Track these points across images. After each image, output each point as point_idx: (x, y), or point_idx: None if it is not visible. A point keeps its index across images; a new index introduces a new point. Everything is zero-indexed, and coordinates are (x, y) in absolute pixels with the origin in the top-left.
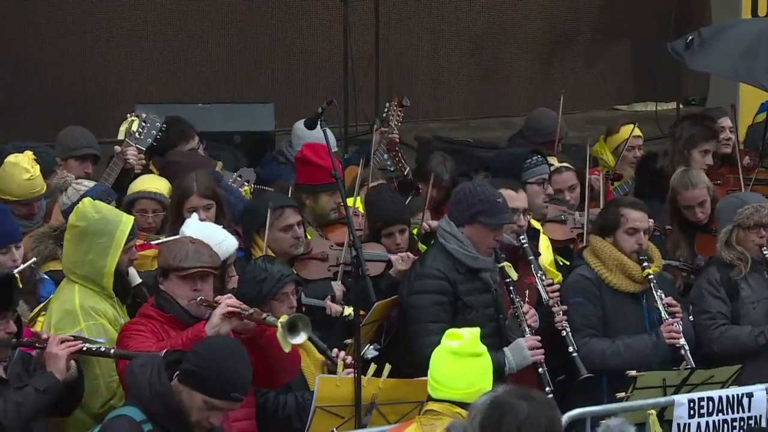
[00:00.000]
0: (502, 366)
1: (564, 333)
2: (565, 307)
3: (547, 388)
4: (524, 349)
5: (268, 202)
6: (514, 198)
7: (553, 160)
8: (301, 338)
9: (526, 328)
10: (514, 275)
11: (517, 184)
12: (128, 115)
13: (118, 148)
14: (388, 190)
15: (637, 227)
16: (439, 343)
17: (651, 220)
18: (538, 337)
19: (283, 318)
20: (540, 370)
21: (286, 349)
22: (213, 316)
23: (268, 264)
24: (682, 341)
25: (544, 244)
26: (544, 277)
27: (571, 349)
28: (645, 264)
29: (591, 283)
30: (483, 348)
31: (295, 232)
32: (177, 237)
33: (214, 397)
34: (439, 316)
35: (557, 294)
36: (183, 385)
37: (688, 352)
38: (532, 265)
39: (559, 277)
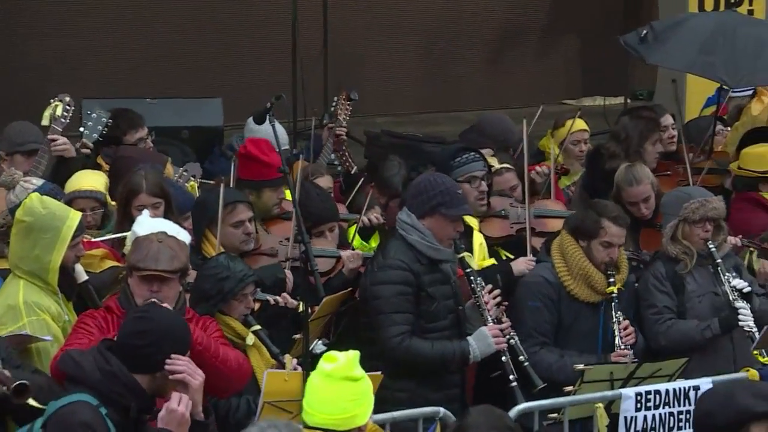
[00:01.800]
0: (467, 355)
1: (504, 359)
2: (509, 323)
3: (511, 377)
4: (488, 337)
5: (220, 197)
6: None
7: (494, 161)
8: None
9: (488, 316)
10: (474, 265)
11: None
12: (51, 100)
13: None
14: (316, 189)
15: (614, 242)
16: (404, 333)
17: None
18: (500, 326)
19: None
20: (503, 358)
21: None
22: None
23: (231, 262)
24: None
25: (477, 242)
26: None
27: (511, 377)
28: (611, 279)
29: (551, 287)
30: (360, 372)
31: (246, 228)
32: (126, 233)
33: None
34: (403, 307)
35: (503, 306)
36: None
37: None
38: (471, 276)
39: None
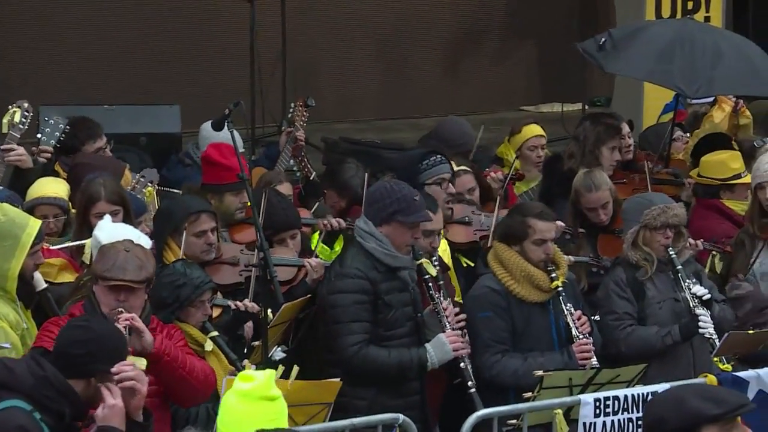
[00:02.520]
0: (425, 362)
1: (462, 365)
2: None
3: (470, 383)
4: (446, 344)
5: (185, 206)
6: (435, 221)
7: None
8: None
9: (447, 323)
10: (432, 271)
11: (435, 205)
12: (10, 107)
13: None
14: (277, 195)
15: (545, 237)
16: (361, 342)
17: (560, 223)
18: (459, 332)
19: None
20: (462, 364)
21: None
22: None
23: (188, 269)
24: (594, 361)
25: (442, 248)
26: (451, 306)
27: (470, 384)
28: (553, 275)
29: (499, 295)
30: (277, 392)
31: (208, 238)
32: (85, 241)
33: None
34: (360, 315)
35: (462, 323)
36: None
37: None
38: (441, 291)
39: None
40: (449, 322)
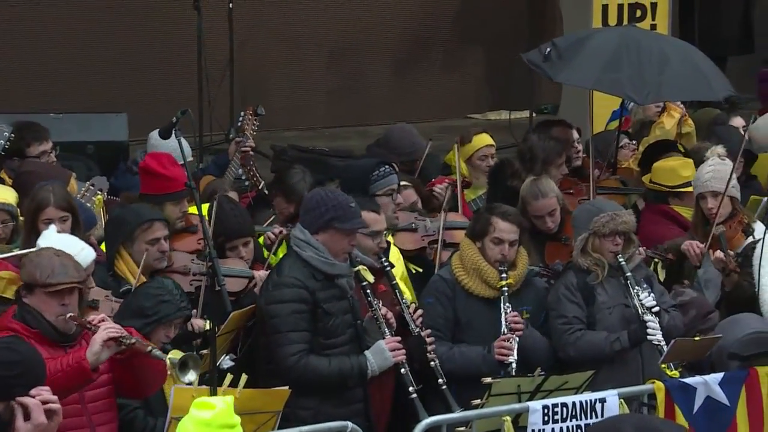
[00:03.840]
0: (365, 370)
1: (433, 364)
2: (433, 339)
3: (411, 388)
4: (385, 350)
5: (137, 215)
6: (377, 220)
7: None
8: (191, 377)
9: (386, 329)
10: (370, 278)
11: (377, 205)
12: None
13: None
14: (229, 203)
15: (503, 238)
16: (301, 351)
17: None
18: (399, 338)
19: (175, 354)
20: (402, 370)
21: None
22: (94, 343)
23: (176, 289)
24: (511, 359)
25: (395, 257)
26: (408, 304)
27: (441, 381)
28: (504, 275)
29: (446, 284)
30: (237, 419)
31: (161, 246)
32: (33, 250)
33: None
34: (299, 325)
35: (420, 316)
36: None
37: (514, 371)
38: (396, 291)
39: (409, 294)
40: (388, 329)
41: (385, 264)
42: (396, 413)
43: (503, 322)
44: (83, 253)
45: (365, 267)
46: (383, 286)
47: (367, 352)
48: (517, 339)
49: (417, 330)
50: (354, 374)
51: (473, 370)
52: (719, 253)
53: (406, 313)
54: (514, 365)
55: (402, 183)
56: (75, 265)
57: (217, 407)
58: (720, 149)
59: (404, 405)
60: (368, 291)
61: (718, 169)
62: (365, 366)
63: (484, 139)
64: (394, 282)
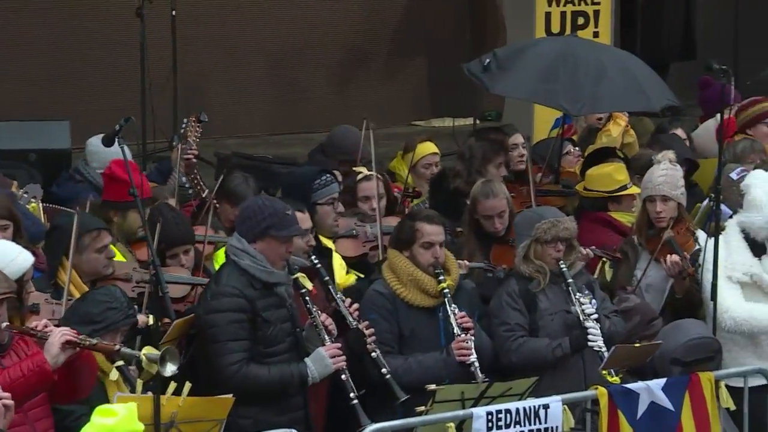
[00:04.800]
0: (305, 377)
1: (374, 355)
2: (372, 330)
3: (351, 394)
4: (325, 357)
5: (82, 224)
6: (303, 219)
7: (362, 169)
8: (172, 367)
9: (326, 336)
10: (308, 285)
11: (302, 204)
12: None
13: None
14: (170, 210)
15: (433, 241)
16: (241, 360)
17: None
18: (338, 345)
19: (149, 350)
20: (343, 377)
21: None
22: (51, 346)
23: (123, 297)
24: (473, 358)
25: (338, 263)
26: (343, 298)
27: (384, 371)
28: (441, 278)
29: (385, 298)
30: (140, 425)
31: (109, 253)
32: None
33: None
34: (238, 334)
35: (356, 309)
36: None
37: (477, 369)
38: (330, 287)
39: (353, 277)
40: (327, 336)
41: (316, 261)
42: (337, 420)
43: (454, 324)
44: (20, 258)
45: (303, 275)
46: (314, 289)
47: (307, 360)
48: (473, 338)
49: (354, 323)
50: (294, 382)
51: (434, 376)
52: (675, 257)
53: (342, 307)
54: (476, 363)
55: (370, 173)
56: (3, 276)
57: (120, 414)
58: (671, 154)
59: (345, 411)
60: (307, 298)
61: (671, 174)
62: (305, 373)
63: (428, 147)
64: (326, 278)
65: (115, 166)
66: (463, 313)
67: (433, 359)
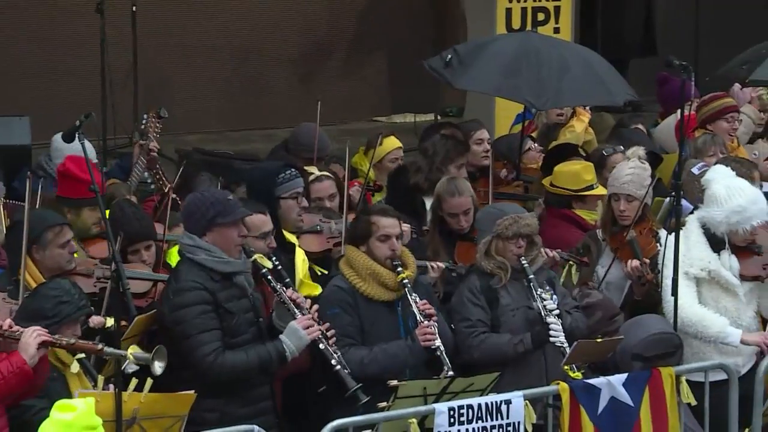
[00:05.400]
0: (283, 353)
1: (322, 346)
2: (327, 324)
3: (333, 361)
4: (299, 330)
5: (43, 220)
6: (264, 222)
7: (313, 169)
8: (161, 364)
9: (296, 309)
10: (268, 264)
11: (264, 207)
12: None
13: None
14: (131, 206)
15: (389, 233)
16: (216, 350)
17: (407, 226)
18: (310, 316)
19: (133, 349)
20: (321, 345)
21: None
22: (28, 347)
23: (72, 289)
24: (438, 343)
25: (300, 258)
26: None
27: (333, 362)
28: (399, 269)
29: (345, 293)
30: (98, 420)
31: (71, 248)
32: None
33: None
34: (208, 324)
35: (316, 311)
36: None
37: (443, 353)
38: (291, 287)
39: (318, 289)
40: (297, 309)
41: (276, 263)
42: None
43: (416, 312)
44: None
45: (262, 255)
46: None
47: (281, 336)
48: (436, 324)
49: (300, 312)
50: (274, 359)
51: (401, 363)
52: (636, 263)
53: (284, 297)
54: (441, 348)
55: (324, 173)
56: None
57: (78, 409)
58: (641, 151)
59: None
60: (269, 277)
61: (637, 173)
62: (283, 349)
63: (393, 143)
64: (287, 280)
65: (69, 163)
66: (425, 301)
67: (398, 347)
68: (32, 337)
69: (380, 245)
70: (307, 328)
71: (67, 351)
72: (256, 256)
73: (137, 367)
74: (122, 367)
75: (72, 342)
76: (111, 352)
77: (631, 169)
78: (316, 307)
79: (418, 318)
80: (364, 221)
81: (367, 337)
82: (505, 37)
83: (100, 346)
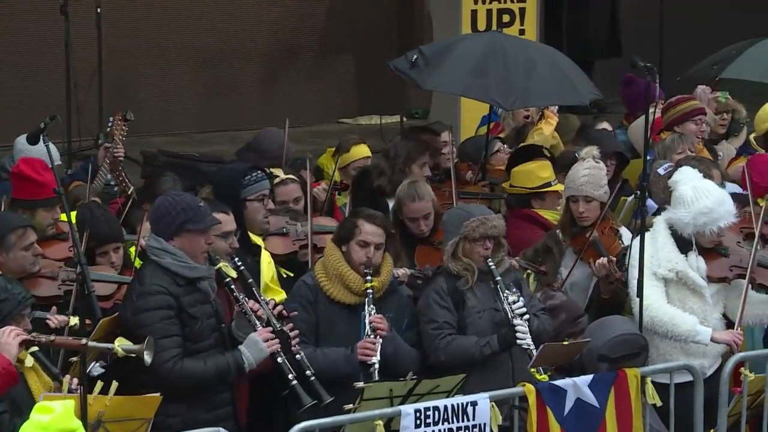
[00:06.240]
0: (241, 364)
1: (299, 357)
2: (291, 325)
3: (290, 376)
4: (258, 342)
5: (7, 222)
6: (226, 221)
7: (279, 172)
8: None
9: (256, 321)
10: (232, 273)
11: (227, 207)
12: None
13: None
14: (99, 208)
15: (368, 241)
16: (175, 357)
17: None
18: (270, 329)
19: (120, 341)
20: (279, 359)
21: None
22: (10, 347)
23: (9, 284)
24: (374, 359)
25: (266, 260)
26: (267, 300)
27: (290, 377)
28: (368, 278)
29: (308, 289)
30: (77, 423)
31: (36, 250)
32: None
33: None
34: (169, 330)
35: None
36: None
37: (376, 371)
38: (254, 289)
39: (283, 294)
40: (258, 320)
41: (239, 264)
42: (260, 419)
43: (366, 324)
44: None
45: (226, 264)
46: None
47: (241, 347)
48: (381, 341)
49: (279, 326)
50: (232, 370)
51: (335, 371)
52: (603, 260)
53: (266, 310)
54: (377, 365)
55: (288, 177)
56: None
57: (56, 411)
58: (595, 151)
59: (267, 409)
60: (232, 287)
61: (593, 173)
62: (241, 360)
63: (362, 151)
64: (250, 281)
65: (23, 164)
66: (380, 317)
67: (338, 354)
68: (11, 337)
69: (358, 250)
70: (267, 341)
71: (48, 348)
72: (221, 264)
73: (103, 370)
74: (87, 370)
75: (52, 339)
76: (95, 346)
77: (587, 170)
78: (280, 308)
79: (366, 330)
80: (350, 222)
81: (321, 337)
82: (471, 37)
83: (83, 341)
